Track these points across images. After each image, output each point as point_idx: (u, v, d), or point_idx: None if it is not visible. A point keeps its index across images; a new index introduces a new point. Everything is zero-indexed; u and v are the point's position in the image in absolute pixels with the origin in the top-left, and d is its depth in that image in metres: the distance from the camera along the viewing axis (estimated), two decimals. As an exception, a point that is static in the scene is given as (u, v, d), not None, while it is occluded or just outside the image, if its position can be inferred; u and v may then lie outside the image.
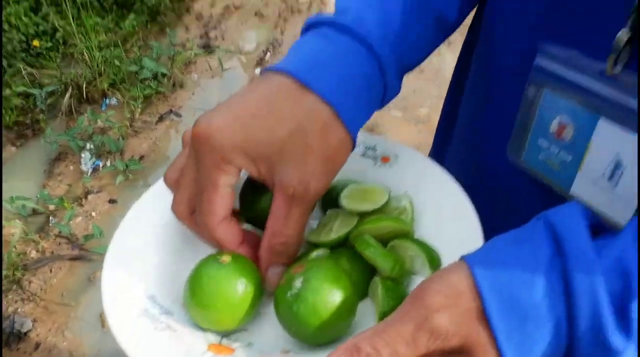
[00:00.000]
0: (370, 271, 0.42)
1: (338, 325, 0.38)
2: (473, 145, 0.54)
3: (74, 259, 1.79)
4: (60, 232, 1.84)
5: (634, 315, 0.29)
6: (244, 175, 0.42)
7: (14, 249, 1.77)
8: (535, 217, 0.35)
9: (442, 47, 0.57)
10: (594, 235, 0.32)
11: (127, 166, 2.03)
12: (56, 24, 2.46)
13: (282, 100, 0.38)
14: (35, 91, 2.23)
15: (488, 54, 0.50)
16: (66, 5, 2.44)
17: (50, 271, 1.76)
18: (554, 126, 0.42)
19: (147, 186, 1.97)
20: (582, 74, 0.39)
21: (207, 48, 2.64)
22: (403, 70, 0.45)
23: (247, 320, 0.41)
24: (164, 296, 0.42)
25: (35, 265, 1.76)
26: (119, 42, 2.49)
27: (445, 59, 2.42)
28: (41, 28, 2.45)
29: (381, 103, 0.44)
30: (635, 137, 0.37)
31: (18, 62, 2.31)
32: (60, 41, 2.47)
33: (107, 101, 2.34)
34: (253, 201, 0.44)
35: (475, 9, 0.53)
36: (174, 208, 0.41)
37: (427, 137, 2.08)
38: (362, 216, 0.45)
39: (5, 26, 2.36)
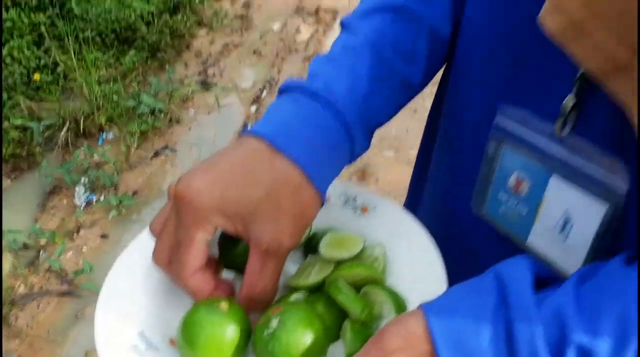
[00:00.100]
0: (343, 315, 0.45)
1: (309, 364, 0.41)
2: (442, 194, 0.57)
3: (62, 294, 1.78)
4: (50, 266, 1.83)
5: None
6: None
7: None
8: (490, 268, 0.38)
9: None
10: (543, 285, 0.36)
11: (120, 201, 2.05)
12: (57, 58, 2.50)
13: (257, 164, 0.42)
14: (33, 124, 2.24)
15: (454, 110, 0.53)
16: (68, 40, 2.50)
17: (38, 306, 1.75)
18: (512, 181, 0.45)
19: (140, 221, 2.01)
20: (536, 133, 0.42)
21: (205, 84, 2.69)
22: (371, 130, 0.49)
23: None
24: (154, 334, 0.45)
25: (22, 300, 1.75)
26: (119, 77, 2.53)
27: (436, 100, 2.46)
28: (42, 62, 2.48)
29: (349, 160, 0.48)
30: (583, 195, 0.40)
31: (18, 94, 2.34)
32: (61, 75, 2.49)
33: (104, 135, 2.37)
34: (230, 249, 0.48)
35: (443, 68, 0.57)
36: (155, 256, 0.44)
37: (418, 177, 2.09)
38: (339, 262, 0.49)
39: (8, 59, 2.39)
